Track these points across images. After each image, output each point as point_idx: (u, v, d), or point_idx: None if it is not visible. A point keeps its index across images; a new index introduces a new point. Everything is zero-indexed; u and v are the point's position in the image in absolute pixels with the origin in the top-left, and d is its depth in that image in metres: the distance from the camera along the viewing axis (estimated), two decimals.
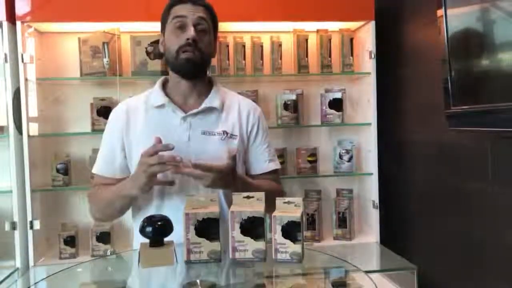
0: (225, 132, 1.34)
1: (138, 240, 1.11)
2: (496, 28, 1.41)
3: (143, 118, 1.34)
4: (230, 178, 1.21)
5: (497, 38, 1.41)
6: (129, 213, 1.40)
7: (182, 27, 1.29)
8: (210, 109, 1.35)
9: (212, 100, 1.36)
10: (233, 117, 1.38)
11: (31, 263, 2.09)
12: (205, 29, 1.31)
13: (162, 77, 1.43)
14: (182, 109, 1.34)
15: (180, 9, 1.30)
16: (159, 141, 1.18)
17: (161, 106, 1.34)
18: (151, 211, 1.30)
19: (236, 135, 1.36)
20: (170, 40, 1.31)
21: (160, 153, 1.16)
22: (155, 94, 1.37)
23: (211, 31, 1.34)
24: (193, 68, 1.31)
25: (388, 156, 2.37)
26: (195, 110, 1.33)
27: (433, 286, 2.02)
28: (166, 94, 1.36)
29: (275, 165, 1.45)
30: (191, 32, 1.27)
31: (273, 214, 1.06)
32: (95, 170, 1.38)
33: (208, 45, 1.33)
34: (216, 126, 1.35)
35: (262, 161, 1.42)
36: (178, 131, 1.31)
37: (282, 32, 2.40)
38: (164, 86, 1.40)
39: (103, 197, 1.33)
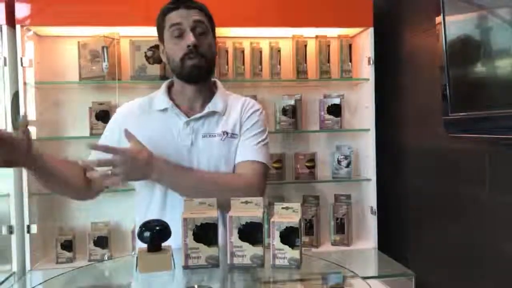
0: (225, 133, 1.33)
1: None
2: (494, 35, 1.42)
3: (146, 121, 1.34)
4: (142, 163, 1.18)
5: (495, 45, 1.42)
6: (128, 216, 1.39)
7: (180, 35, 1.28)
8: (212, 113, 1.35)
9: (215, 105, 1.35)
10: (235, 117, 1.36)
11: (28, 267, 2.09)
12: (203, 32, 1.30)
13: (168, 80, 1.42)
14: (186, 114, 1.34)
15: (175, 16, 1.29)
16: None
17: (164, 110, 1.34)
18: (152, 212, 1.30)
19: (237, 134, 1.35)
20: (171, 49, 1.30)
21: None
22: (159, 97, 1.36)
23: (209, 32, 1.33)
24: (200, 73, 1.30)
25: (386, 162, 2.37)
26: (198, 115, 1.33)
27: None
28: (171, 98, 1.36)
29: (252, 156, 1.32)
30: (191, 38, 1.26)
31: (272, 219, 1.06)
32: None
33: (209, 47, 1.32)
34: (216, 127, 1.34)
35: (240, 150, 1.34)
36: (181, 136, 1.31)
37: (281, 37, 2.41)
38: (169, 89, 1.39)
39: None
